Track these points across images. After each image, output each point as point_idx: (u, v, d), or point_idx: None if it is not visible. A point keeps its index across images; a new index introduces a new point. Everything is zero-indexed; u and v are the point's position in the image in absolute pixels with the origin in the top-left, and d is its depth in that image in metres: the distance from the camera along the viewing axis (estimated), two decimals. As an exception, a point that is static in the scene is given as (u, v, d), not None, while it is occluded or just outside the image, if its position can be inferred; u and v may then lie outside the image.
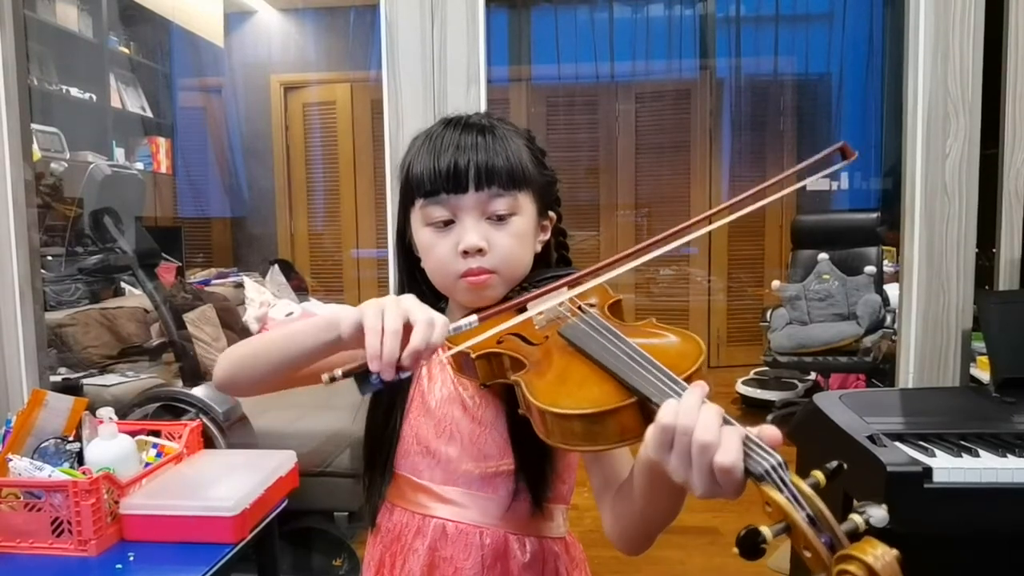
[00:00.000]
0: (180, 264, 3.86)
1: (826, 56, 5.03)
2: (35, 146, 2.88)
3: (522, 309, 0.81)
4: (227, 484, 1.57)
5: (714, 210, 0.76)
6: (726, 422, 0.59)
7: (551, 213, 0.98)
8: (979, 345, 1.66)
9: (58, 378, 2.39)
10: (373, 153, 4.89)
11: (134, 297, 3.18)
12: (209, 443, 1.99)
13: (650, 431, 0.62)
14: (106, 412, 1.60)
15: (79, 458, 1.57)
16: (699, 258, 5.15)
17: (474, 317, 0.75)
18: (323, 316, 0.79)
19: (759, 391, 4.24)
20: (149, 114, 4.58)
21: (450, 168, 0.85)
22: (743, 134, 5.15)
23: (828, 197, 5.08)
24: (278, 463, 1.70)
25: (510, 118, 0.97)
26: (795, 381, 4.32)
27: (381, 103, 1.73)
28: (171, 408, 2.19)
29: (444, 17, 1.68)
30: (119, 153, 4.17)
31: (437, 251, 0.88)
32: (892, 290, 3.72)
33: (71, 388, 2.30)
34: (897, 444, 1.20)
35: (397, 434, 0.93)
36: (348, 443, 2.34)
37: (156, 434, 1.73)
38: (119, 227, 2.54)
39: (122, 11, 4.37)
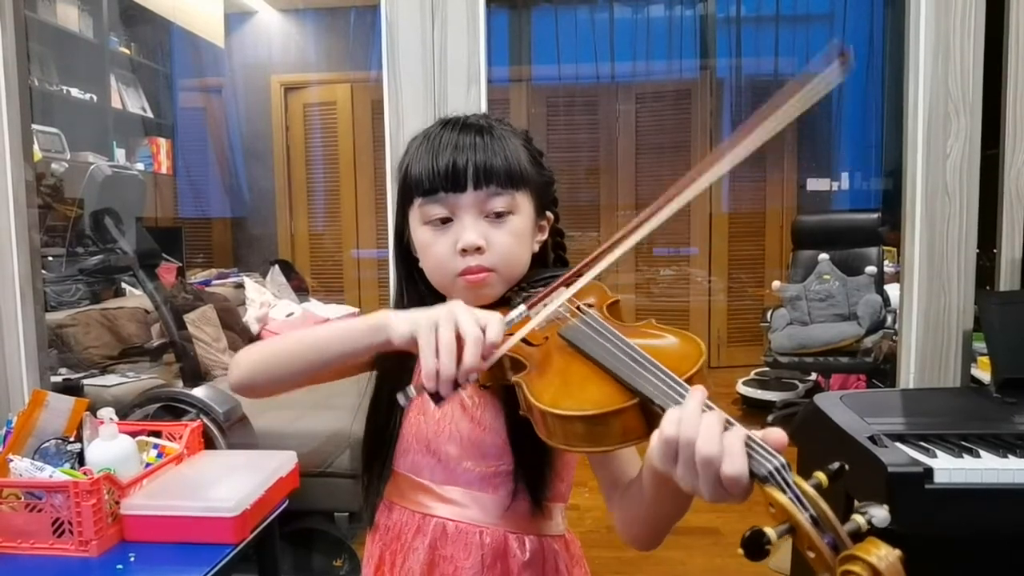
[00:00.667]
0: (180, 264, 3.86)
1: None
2: (36, 146, 2.88)
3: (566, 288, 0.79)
4: (228, 484, 1.58)
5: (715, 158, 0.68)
6: (728, 426, 0.59)
7: (549, 213, 0.98)
8: (980, 345, 1.65)
9: (59, 379, 2.39)
10: (373, 153, 4.89)
11: (135, 297, 3.18)
12: (209, 443, 1.99)
13: (654, 444, 0.62)
14: (107, 413, 1.60)
15: (80, 459, 1.57)
16: (699, 258, 5.14)
17: (523, 307, 0.75)
18: (367, 319, 0.80)
19: (760, 392, 4.23)
20: (150, 114, 4.59)
21: (448, 167, 0.86)
22: (743, 134, 5.14)
23: (829, 197, 5.07)
24: (279, 463, 1.70)
25: (510, 118, 0.97)
26: (796, 382, 4.32)
27: (381, 103, 1.73)
28: (172, 408, 2.19)
29: (444, 17, 1.68)
30: (120, 153, 4.17)
31: (435, 249, 0.88)
32: (893, 290, 3.72)
33: (72, 388, 2.29)
34: (898, 445, 1.20)
35: (397, 432, 0.93)
36: (348, 443, 2.34)
37: (157, 434, 1.74)
38: (120, 227, 2.55)
39: (123, 11, 4.37)
